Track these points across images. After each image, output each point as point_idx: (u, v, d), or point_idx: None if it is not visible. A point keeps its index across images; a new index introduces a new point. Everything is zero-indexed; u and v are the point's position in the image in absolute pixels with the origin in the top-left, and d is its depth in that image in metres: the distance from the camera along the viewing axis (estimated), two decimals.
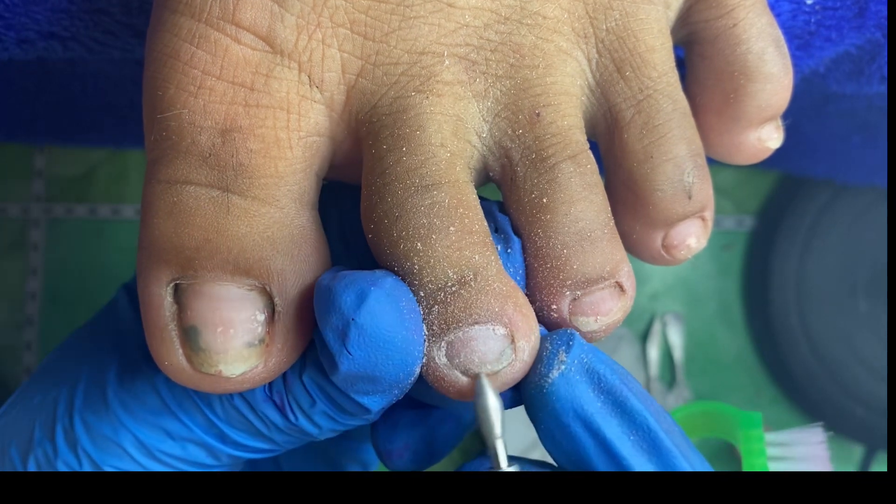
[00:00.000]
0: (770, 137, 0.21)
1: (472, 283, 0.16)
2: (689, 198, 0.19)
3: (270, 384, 0.18)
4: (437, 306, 0.16)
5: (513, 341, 0.17)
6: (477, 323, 0.17)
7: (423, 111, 0.17)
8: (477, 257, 0.17)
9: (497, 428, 0.16)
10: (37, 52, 0.23)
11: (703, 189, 0.19)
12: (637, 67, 0.19)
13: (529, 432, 0.49)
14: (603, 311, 0.18)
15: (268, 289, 0.17)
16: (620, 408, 0.17)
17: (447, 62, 0.17)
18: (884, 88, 0.28)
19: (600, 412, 0.17)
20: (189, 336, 0.17)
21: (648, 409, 0.17)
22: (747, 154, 0.21)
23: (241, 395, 0.18)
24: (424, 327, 0.17)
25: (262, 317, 0.17)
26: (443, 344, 0.17)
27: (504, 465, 0.16)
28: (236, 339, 0.17)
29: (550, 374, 0.17)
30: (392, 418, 0.21)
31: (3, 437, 0.20)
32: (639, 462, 0.16)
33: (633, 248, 0.20)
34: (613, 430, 0.16)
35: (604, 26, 0.19)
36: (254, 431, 0.19)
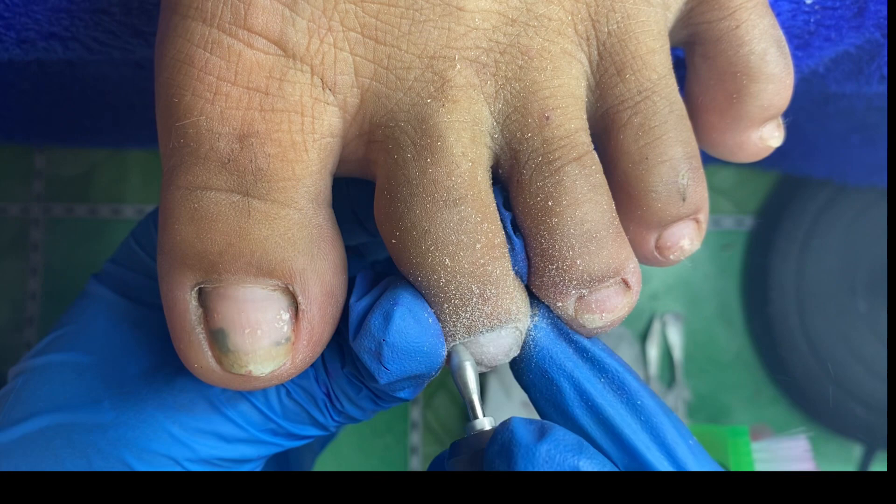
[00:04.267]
0: (771, 136, 0.21)
1: (492, 297, 0.18)
2: (684, 200, 0.19)
3: (317, 377, 0.20)
4: (460, 320, 0.18)
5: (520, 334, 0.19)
6: (494, 328, 0.18)
7: (441, 119, 0.18)
8: (498, 270, 0.18)
9: (471, 385, 0.18)
10: (37, 53, 0.23)
11: (698, 191, 0.20)
12: (638, 70, 0.19)
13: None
14: (608, 308, 0.19)
15: (291, 288, 0.17)
16: (587, 354, 0.19)
17: (458, 66, 0.18)
18: (883, 88, 0.28)
19: (572, 358, 0.19)
20: (217, 338, 0.17)
21: (612, 355, 0.19)
22: (749, 153, 0.21)
23: (303, 388, 0.20)
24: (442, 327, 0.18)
25: (286, 316, 0.17)
26: (461, 342, 0.18)
27: (480, 416, 0.19)
28: (264, 339, 0.17)
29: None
30: None
31: (22, 463, 0.19)
32: (608, 401, 0.18)
33: None
34: (585, 373, 0.19)
35: (605, 28, 0.19)
36: (310, 421, 0.20)
